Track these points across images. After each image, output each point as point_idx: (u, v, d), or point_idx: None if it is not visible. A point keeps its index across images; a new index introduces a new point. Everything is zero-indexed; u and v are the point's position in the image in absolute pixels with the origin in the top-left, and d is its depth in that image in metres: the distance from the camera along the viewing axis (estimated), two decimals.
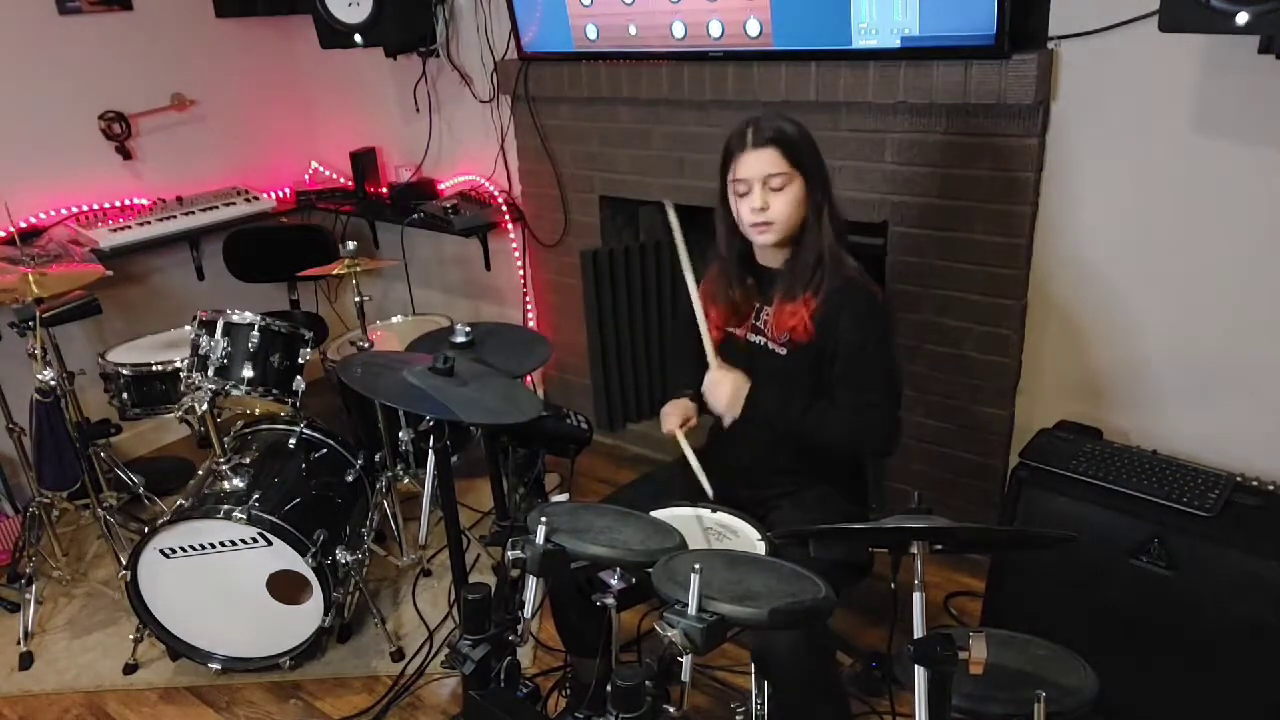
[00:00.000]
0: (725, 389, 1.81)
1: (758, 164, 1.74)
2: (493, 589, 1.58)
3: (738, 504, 1.85)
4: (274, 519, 2.25)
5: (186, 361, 2.47)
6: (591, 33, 2.85)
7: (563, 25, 2.88)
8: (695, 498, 1.86)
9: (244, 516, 2.21)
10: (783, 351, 1.83)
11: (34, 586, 2.60)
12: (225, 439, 2.50)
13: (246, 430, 2.67)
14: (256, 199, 3.62)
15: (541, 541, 1.47)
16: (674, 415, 1.96)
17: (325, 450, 2.65)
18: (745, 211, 1.78)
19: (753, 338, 1.90)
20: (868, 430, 1.79)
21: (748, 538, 1.75)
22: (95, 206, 3.35)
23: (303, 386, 2.56)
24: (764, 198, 1.75)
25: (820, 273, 1.78)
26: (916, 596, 1.27)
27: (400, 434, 2.82)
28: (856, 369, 1.78)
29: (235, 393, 2.43)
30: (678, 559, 1.45)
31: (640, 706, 1.33)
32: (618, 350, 3.33)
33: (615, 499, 1.99)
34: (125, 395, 2.73)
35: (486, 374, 1.83)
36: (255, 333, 2.45)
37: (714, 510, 1.83)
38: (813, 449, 1.83)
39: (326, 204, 3.74)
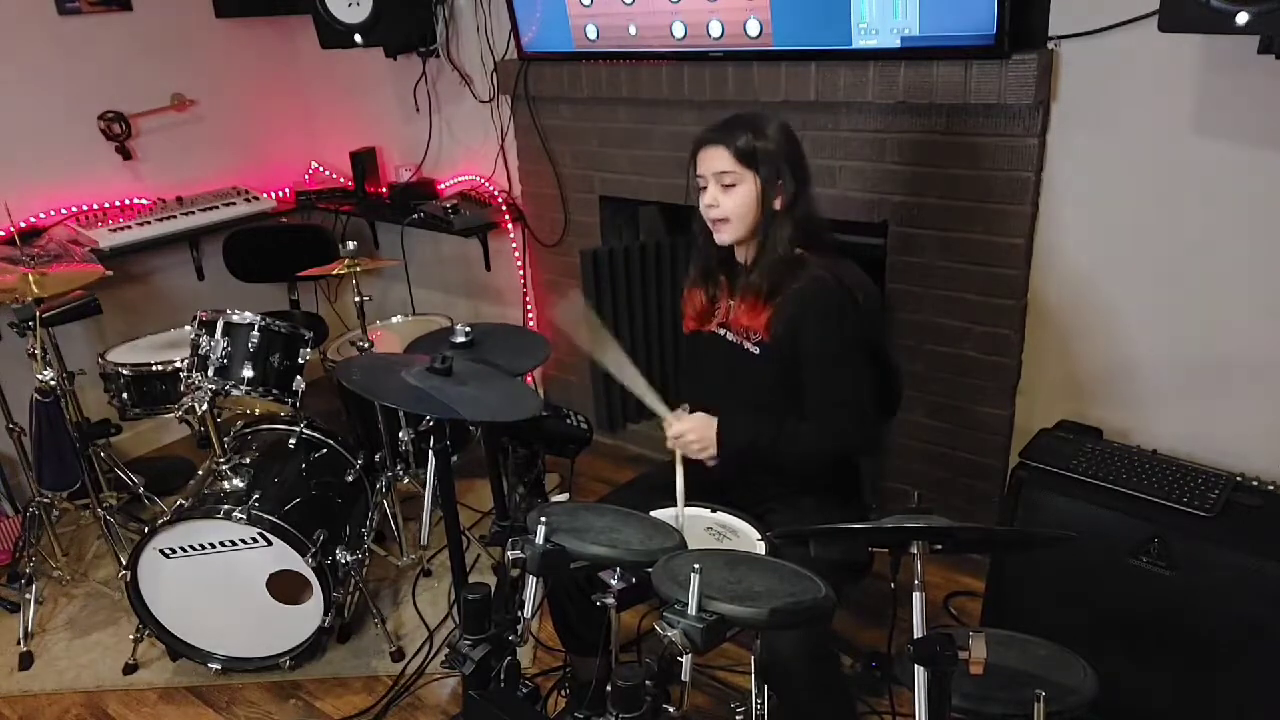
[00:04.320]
0: (691, 437, 1.81)
1: (710, 160, 1.78)
2: (493, 589, 1.58)
3: (736, 505, 1.85)
4: (274, 519, 2.25)
5: (186, 361, 2.46)
6: (591, 33, 2.85)
7: (563, 25, 2.88)
8: (693, 497, 1.86)
9: (244, 516, 2.21)
10: (755, 350, 1.83)
11: (34, 586, 2.60)
12: (225, 439, 2.50)
13: (246, 430, 2.67)
14: (256, 199, 3.61)
15: (541, 541, 1.47)
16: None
17: (325, 450, 2.65)
18: (702, 206, 1.82)
19: (723, 333, 1.91)
20: (840, 434, 1.79)
21: (748, 538, 1.75)
22: (95, 206, 3.35)
23: (303, 386, 2.55)
24: (714, 194, 1.78)
25: (777, 275, 1.78)
26: (916, 596, 1.27)
27: (400, 434, 2.81)
28: (824, 371, 1.77)
29: (235, 393, 2.43)
30: (678, 559, 1.45)
31: (640, 706, 1.33)
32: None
33: (613, 498, 1.99)
34: (125, 395, 2.73)
35: (486, 373, 1.83)
36: (255, 333, 2.44)
37: (714, 510, 1.83)
38: (794, 464, 1.83)
39: (326, 204, 3.74)
